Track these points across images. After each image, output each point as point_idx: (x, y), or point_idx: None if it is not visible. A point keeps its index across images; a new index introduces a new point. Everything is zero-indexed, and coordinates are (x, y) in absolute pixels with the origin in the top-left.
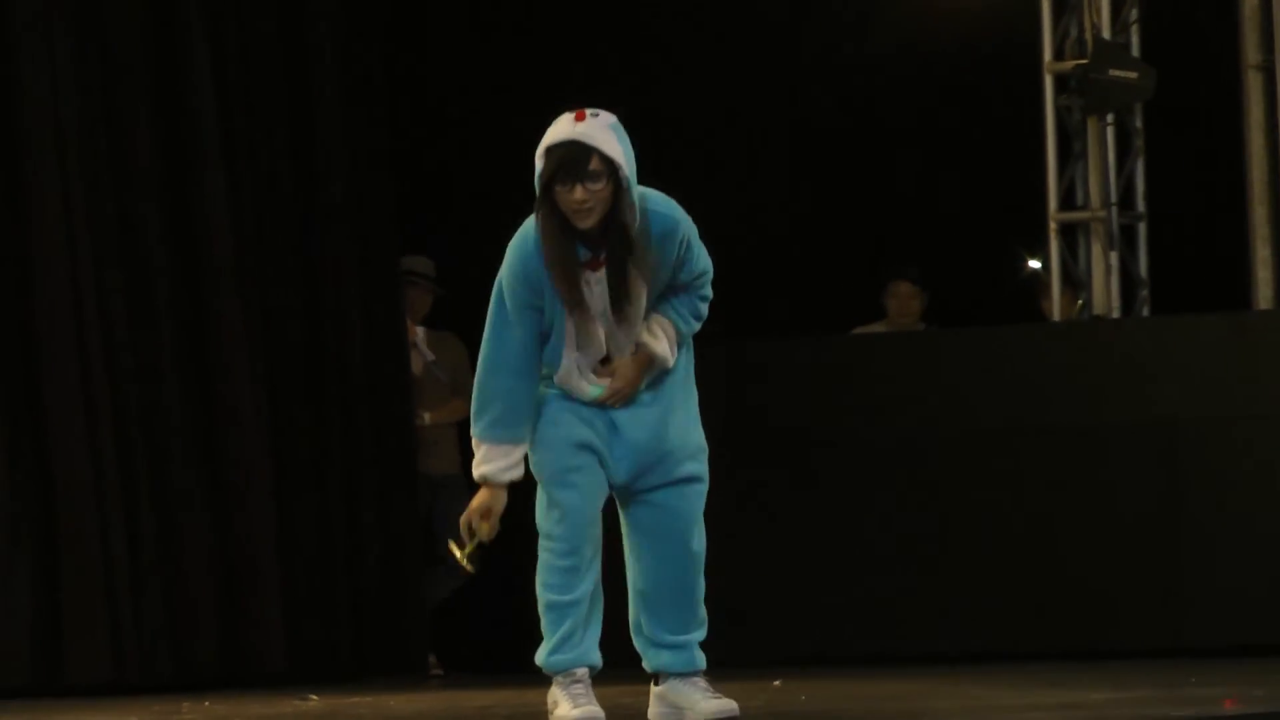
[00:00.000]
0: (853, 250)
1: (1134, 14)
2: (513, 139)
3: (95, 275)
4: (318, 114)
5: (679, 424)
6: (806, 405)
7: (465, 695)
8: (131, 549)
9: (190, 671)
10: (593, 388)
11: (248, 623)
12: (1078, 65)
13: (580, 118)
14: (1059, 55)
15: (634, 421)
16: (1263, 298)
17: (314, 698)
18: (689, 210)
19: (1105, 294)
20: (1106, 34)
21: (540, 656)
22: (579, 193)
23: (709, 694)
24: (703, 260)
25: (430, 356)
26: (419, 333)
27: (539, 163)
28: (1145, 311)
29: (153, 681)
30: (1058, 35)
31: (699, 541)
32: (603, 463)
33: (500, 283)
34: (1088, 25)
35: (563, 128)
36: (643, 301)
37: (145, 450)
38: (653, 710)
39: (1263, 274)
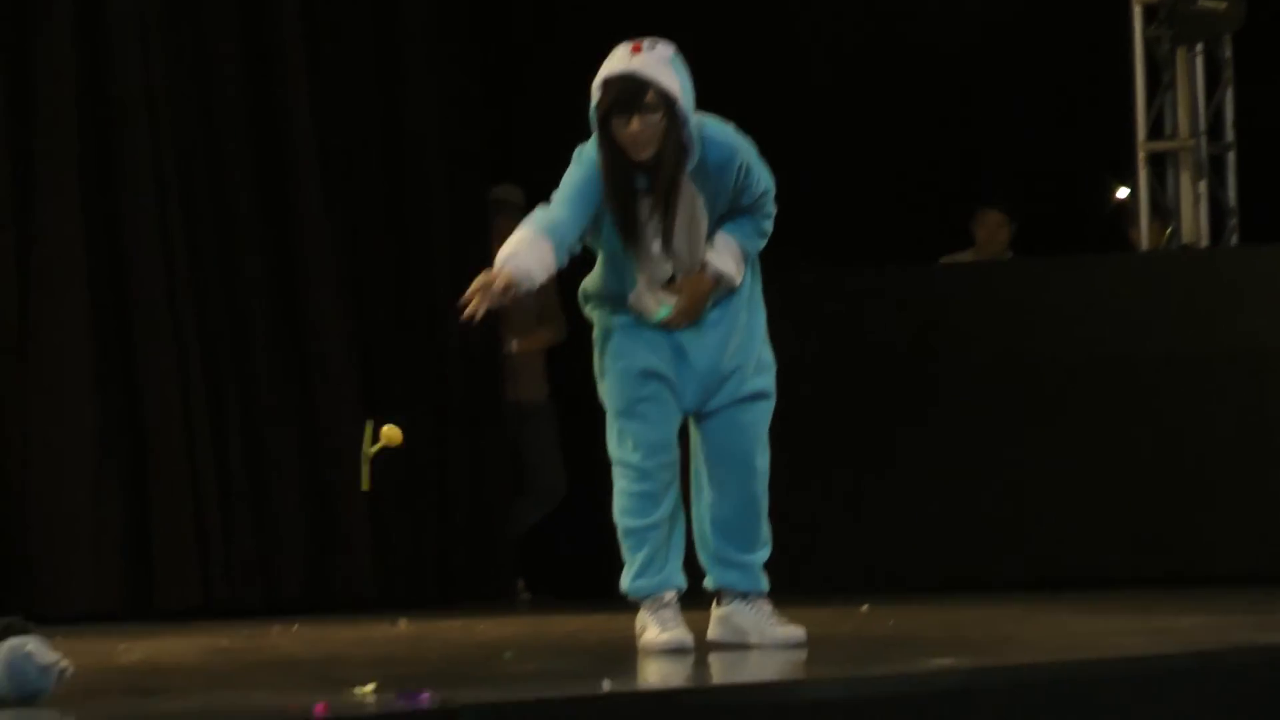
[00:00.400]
0: (941, 179)
1: None
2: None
3: (182, 192)
4: (406, 40)
5: (745, 342)
6: (894, 333)
7: (553, 620)
8: (220, 475)
9: (279, 597)
10: (661, 308)
11: (337, 548)
12: None
13: (637, 50)
14: None
15: (700, 345)
16: None
17: (403, 622)
18: (785, 136)
19: (1194, 223)
20: None
21: (624, 583)
22: (635, 125)
23: (775, 620)
24: (763, 180)
25: None
26: None
27: (595, 94)
28: (1234, 240)
29: (241, 607)
30: None
31: (763, 458)
32: (672, 389)
33: (570, 168)
34: None
35: (619, 60)
36: (703, 227)
37: (233, 376)
38: (714, 632)
39: None
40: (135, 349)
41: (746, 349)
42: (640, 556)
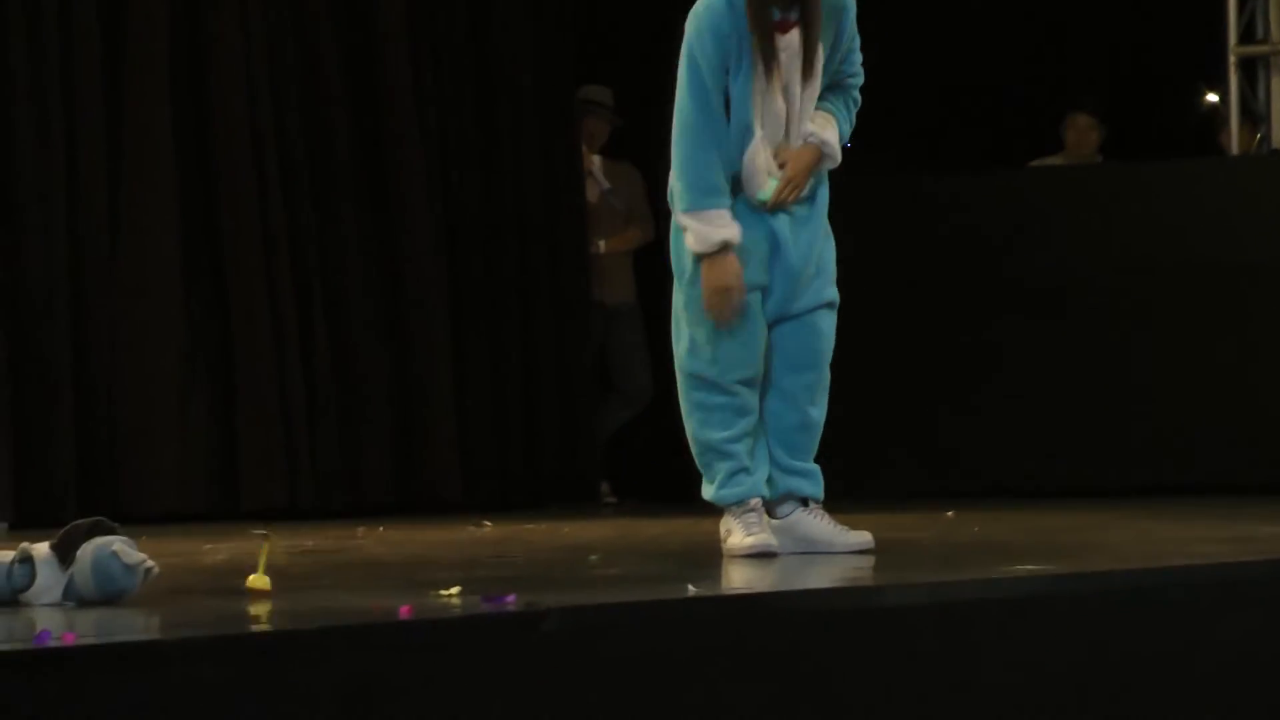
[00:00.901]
0: (1031, 82)
1: None
2: None
3: (273, 107)
4: None
5: (825, 244)
6: (984, 238)
7: (637, 524)
8: (307, 377)
9: (364, 500)
10: (770, 180)
11: (422, 451)
12: None
13: None
14: None
15: (794, 241)
16: None
17: (488, 524)
18: (873, 36)
19: None
20: None
21: (709, 492)
22: None
23: (841, 527)
24: (859, 55)
25: (606, 185)
26: (595, 161)
27: None
28: None
29: (327, 507)
30: None
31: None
32: (764, 297)
33: (690, 51)
34: None
35: None
36: (818, 79)
37: (321, 277)
38: (777, 543)
39: None
40: (224, 254)
41: (826, 252)
42: (726, 466)
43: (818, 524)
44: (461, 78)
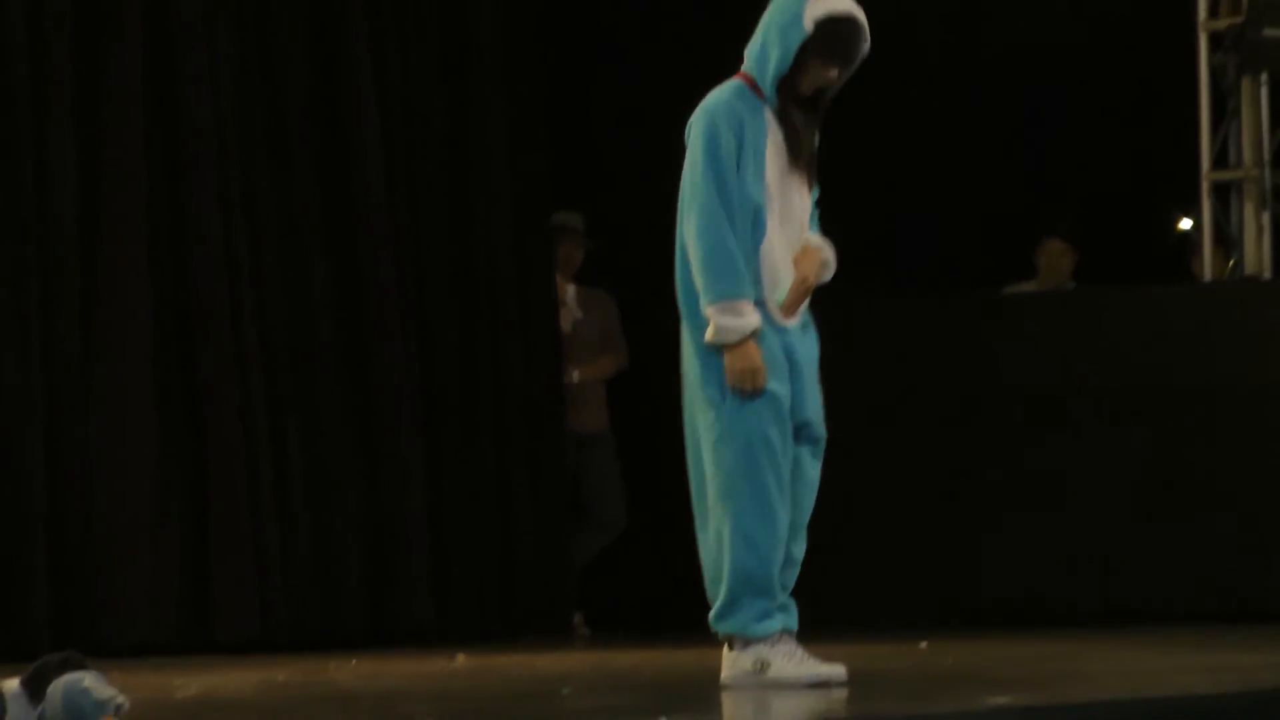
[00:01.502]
0: (1005, 207)
1: None
2: (660, 93)
3: (249, 239)
4: (473, 69)
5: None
6: (956, 363)
7: (611, 655)
8: (280, 505)
9: (338, 630)
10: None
11: (396, 581)
12: (1233, 23)
13: None
14: (1214, 13)
15: (803, 351)
16: None
17: (461, 656)
18: (847, 160)
19: (1257, 254)
20: None
21: (744, 625)
22: (834, 75)
23: (814, 660)
24: None
25: (579, 314)
26: (569, 290)
27: (809, 27)
28: None
29: (300, 639)
30: None
31: None
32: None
33: (709, 143)
34: None
35: (846, 2)
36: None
37: (296, 405)
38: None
39: None
40: (198, 379)
41: (816, 383)
42: (771, 595)
43: (794, 654)
44: (437, 205)
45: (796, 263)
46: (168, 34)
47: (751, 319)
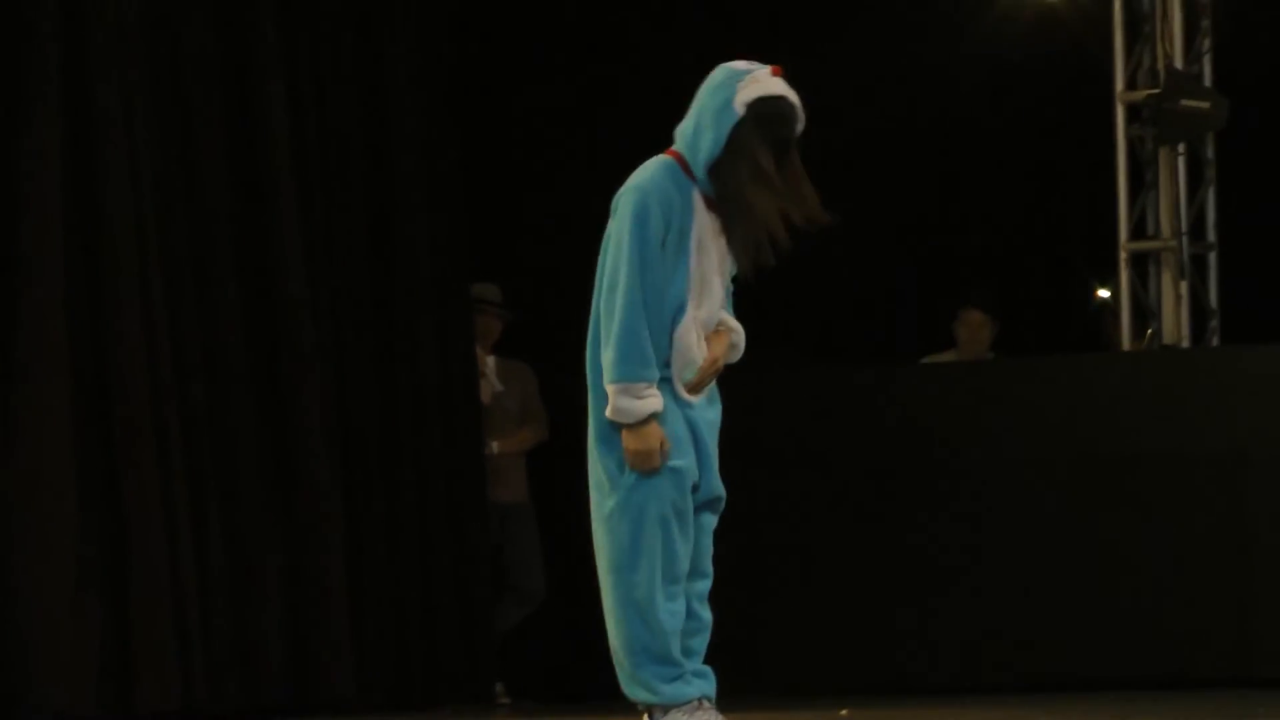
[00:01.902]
0: (922, 278)
1: (1206, 44)
2: (577, 165)
3: (168, 309)
4: (392, 140)
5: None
6: (873, 434)
7: None
8: (200, 574)
9: (258, 697)
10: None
11: (317, 649)
12: (1150, 95)
13: (778, 73)
14: (1131, 85)
15: (703, 425)
16: None
17: None
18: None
19: (1175, 324)
20: (1179, 64)
21: (656, 692)
22: (769, 162)
23: None
24: None
25: (499, 386)
26: (489, 362)
27: (740, 110)
28: (1215, 341)
29: (220, 707)
30: (1130, 65)
31: None
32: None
33: (636, 221)
34: (1160, 55)
35: (773, 83)
36: (727, 274)
37: (214, 475)
38: None
39: None
40: (116, 450)
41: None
42: (674, 663)
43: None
44: (356, 277)
45: (708, 342)
46: (86, 115)
47: (651, 402)
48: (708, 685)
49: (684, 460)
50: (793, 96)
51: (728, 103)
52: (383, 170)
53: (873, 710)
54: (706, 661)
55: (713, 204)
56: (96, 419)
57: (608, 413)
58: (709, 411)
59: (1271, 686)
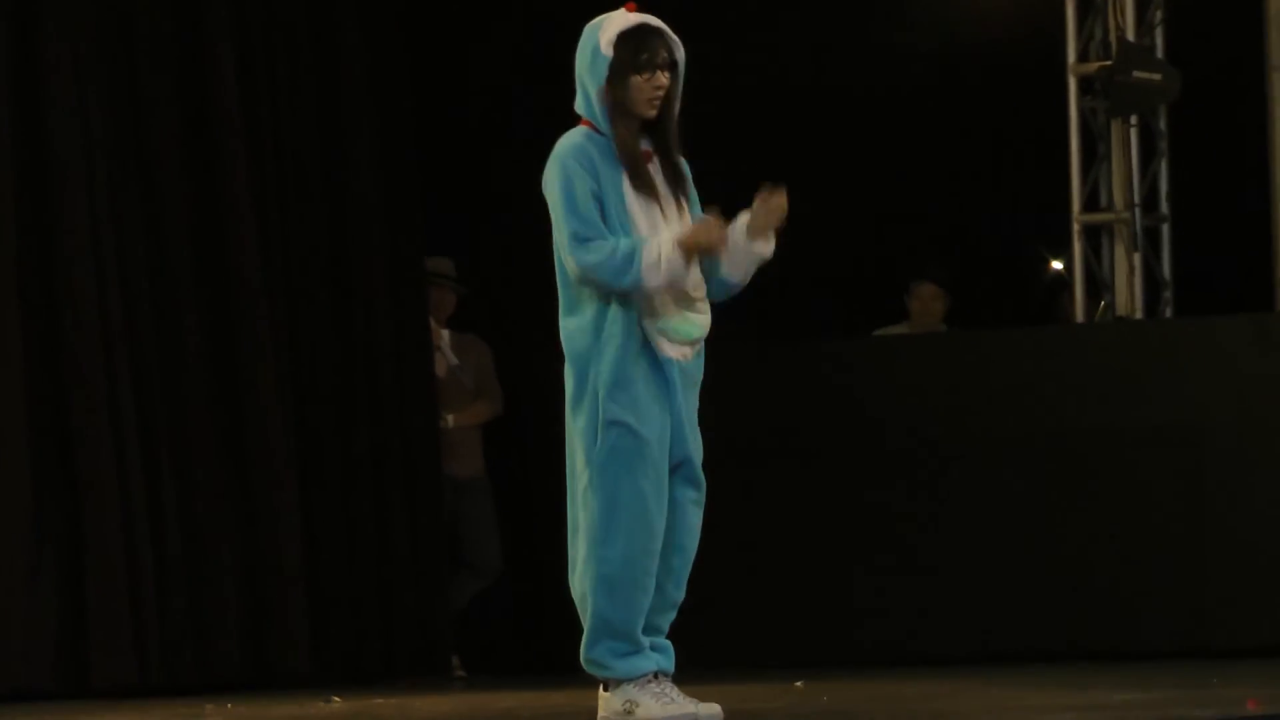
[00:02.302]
0: (876, 251)
1: (1159, 16)
2: (531, 136)
3: (121, 285)
4: (346, 117)
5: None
6: (827, 407)
7: (488, 698)
8: (156, 550)
9: (214, 674)
10: (680, 310)
11: (272, 625)
12: (1102, 67)
13: (632, 8)
14: (1083, 57)
15: (683, 392)
16: None
17: (337, 700)
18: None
19: (1129, 296)
20: (1131, 36)
21: (615, 665)
22: (661, 79)
23: (690, 700)
24: None
25: (454, 360)
26: (443, 335)
27: (608, 51)
28: (1168, 313)
29: (176, 683)
30: (1082, 37)
31: None
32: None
33: (563, 179)
34: (1112, 27)
35: (629, 16)
36: (687, 207)
37: (170, 450)
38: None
39: None
40: (73, 430)
41: (695, 421)
42: (633, 640)
43: (670, 694)
44: (310, 252)
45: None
46: (35, 100)
47: (656, 250)
48: (666, 660)
49: (655, 430)
50: (653, 21)
51: (596, 50)
52: (337, 146)
53: (827, 683)
54: (667, 635)
55: (633, 153)
56: (52, 400)
57: (663, 284)
58: (692, 373)
59: (1226, 657)
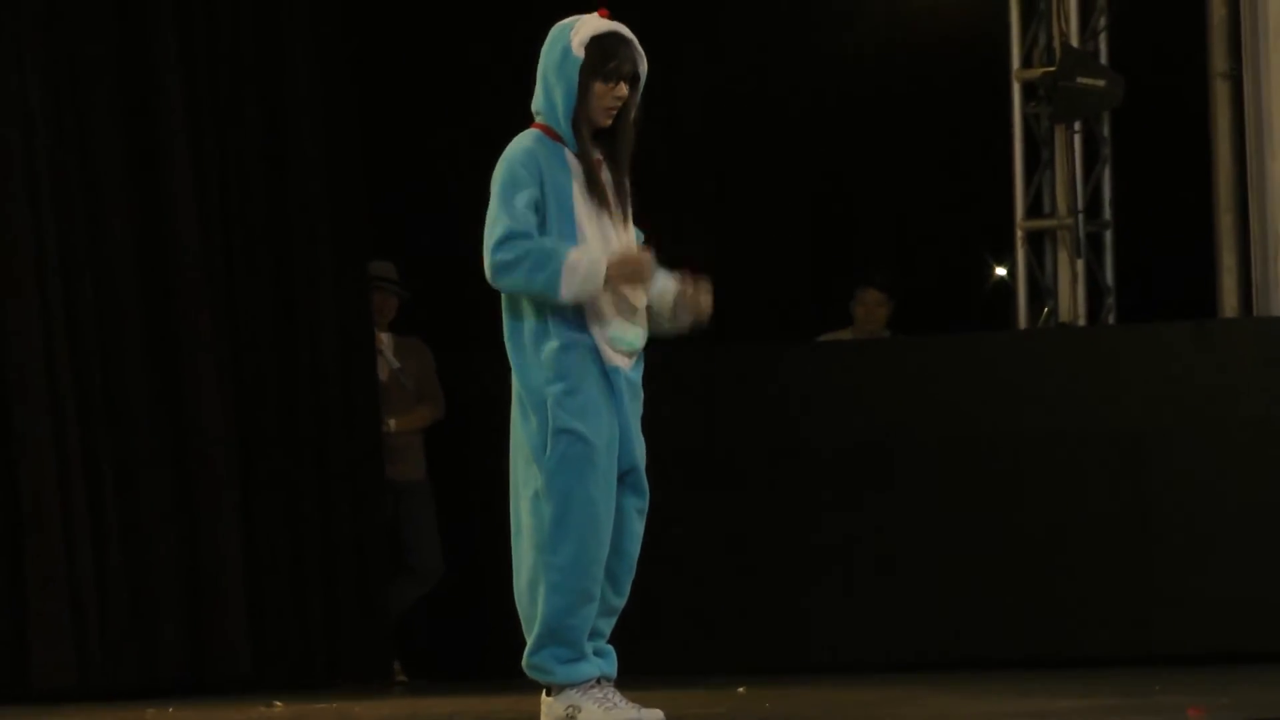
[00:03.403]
0: (819, 257)
1: (1102, 22)
2: (474, 139)
3: (63, 287)
4: (289, 120)
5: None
6: (770, 412)
7: (429, 702)
8: (97, 554)
9: (155, 678)
10: (623, 322)
11: (213, 629)
12: (1046, 73)
13: (605, 14)
14: (1027, 63)
15: (629, 400)
16: (1228, 306)
17: (278, 704)
18: (666, 210)
19: (1071, 302)
20: (1075, 41)
21: (556, 670)
22: (621, 89)
23: (633, 705)
24: None
25: (395, 364)
26: (384, 339)
27: (580, 53)
28: (1111, 319)
29: (117, 688)
30: (1026, 42)
31: None
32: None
33: (504, 186)
34: (1056, 33)
35: (603, 22)
36: (630, 216)
37: (111, 454)
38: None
39: (1228, 282)
40: (12, 425)
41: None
42: (577, 646)
43: (612, 699)
44: (253, 255)
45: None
46: None
47: (577, 263)
48: (608, 665)
49: (598, 436)
50: (626, 32)
51: (566, 50)
52: (280, 149)
53: (770, 690)
54: (610, 640)
55: (587, 159)
56: None
57: (569, 297)
58: (636, 380)
59: (1169, 664)
